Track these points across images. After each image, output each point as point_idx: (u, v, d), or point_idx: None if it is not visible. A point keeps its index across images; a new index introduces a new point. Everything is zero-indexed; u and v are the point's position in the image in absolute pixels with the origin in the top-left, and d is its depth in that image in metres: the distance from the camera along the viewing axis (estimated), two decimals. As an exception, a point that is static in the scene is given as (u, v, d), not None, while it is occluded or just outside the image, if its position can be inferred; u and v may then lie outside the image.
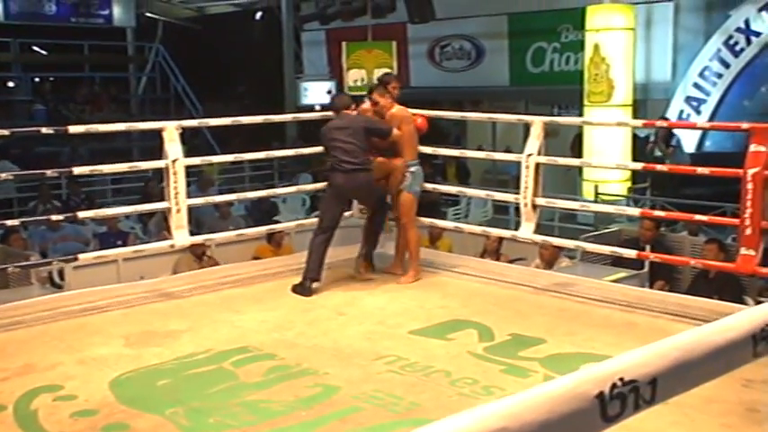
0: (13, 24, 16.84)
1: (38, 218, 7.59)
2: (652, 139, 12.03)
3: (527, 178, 6.10)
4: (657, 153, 11.63)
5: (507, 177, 13.07)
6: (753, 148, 4.93)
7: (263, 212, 10.85)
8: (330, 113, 6.44)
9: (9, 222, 6.79)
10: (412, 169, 6.25)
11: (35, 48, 18.16)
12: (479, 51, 15.96)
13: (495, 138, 15.41)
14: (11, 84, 17.62)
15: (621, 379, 1.85)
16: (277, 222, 9.14)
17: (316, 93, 16.45)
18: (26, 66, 17.69)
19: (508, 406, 1.70)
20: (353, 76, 9.72)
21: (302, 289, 5.86)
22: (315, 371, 4.39)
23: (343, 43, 12.47)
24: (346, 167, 5.98)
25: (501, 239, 7.51)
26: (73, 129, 6.17)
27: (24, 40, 17.33)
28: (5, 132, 5.88)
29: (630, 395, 1.87)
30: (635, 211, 7.37)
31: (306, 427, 3.75)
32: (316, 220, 7.05)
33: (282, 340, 4.91)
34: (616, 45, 12.27)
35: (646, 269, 6.90)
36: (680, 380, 2.03)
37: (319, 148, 7.06)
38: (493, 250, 7.69)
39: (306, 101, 16.48)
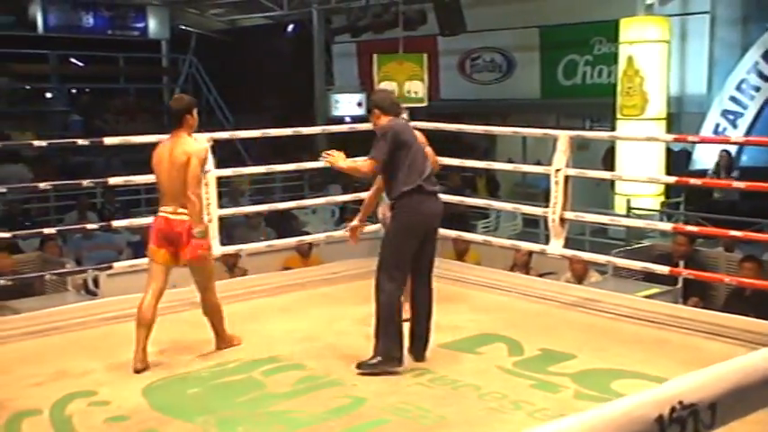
0: (52, 36, 17.14)
1: (73, 226, 7.70)
2: (712, 168, 11.97)
3: (556, 193, 6.09)
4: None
5: (537, 191, 13.02)
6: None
7: (286, 224, 10.87)
8: (358, 124, 6.44)
9: (47, 231, 6.91)
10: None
11: (72, 59, 18.44)
12: (510, 64, 15.94)
13: (525, 151, 15.37)
14: (48, 95, 17.90)
15: (681, 402, 1.82)
16: (306, 233, 9.18)
17: (346, 105, 16.55)
18: (63, 77, 17.98)
19: (566, 427, 1.67)
20: (384, 89, 9.85)
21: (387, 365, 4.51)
22: (343, 382, 4.41)
23: (375, 55, 12.55)
24: (432, 189, 4.71)
25: (531, 253, 7.48)
26: (108, 140, 6.28)
27: (62, 52, 17.61)
28: (43, 143, 6.01)
29: (690, 419, 1.83)
30: (668, 226, 7.31)
31: (334, 437, 3.77)
32: (345, 232, 7.03)
33: (310, 351, 4.94)
34: (650, 58, 12.19)
35: (679, 285, 6.83)
36: (740, 404, 1.97)
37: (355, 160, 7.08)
38: (522, 264, 7.66)
39: (336, 113, 16.57)
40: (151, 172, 6.75)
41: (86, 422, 3.92)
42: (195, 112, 4.80)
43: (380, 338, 4.51)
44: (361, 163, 4.72)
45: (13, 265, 6.98)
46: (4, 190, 6.65)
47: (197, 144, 4.79)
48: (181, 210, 4.65)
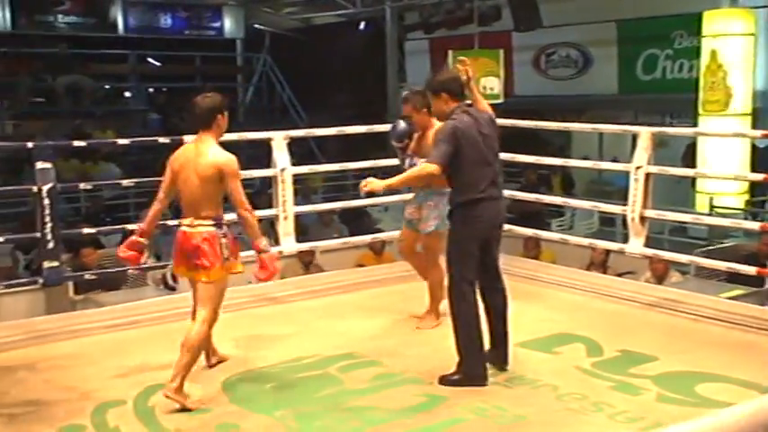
0: (131, 37, 17.59)
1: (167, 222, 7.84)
2: None
3: (636, 191, 5.96)
4: None
5: (613, 188, 12.78)
6: None
7: (359, 221, 10.89)
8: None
9: (129, 226, 7.07)
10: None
11: (149, 59, 18.87)
12: (587, 59, 15.67)
13: (601, 148, 15.09)
14: (128, 94, 18.36)
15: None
16: (379, 231, 9.19)
17: (419, 102, 16.50)
18: (142, 77, 18.42)
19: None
20: (460, 86, 9.83)
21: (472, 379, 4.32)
22: (419, 380, 4.39)
23: (450, 52, 12.48)
24: (497, 195, 4.44)
25: (608, 252, 7.34)
26: (188, 138, 6.38)
27: (141, 52, 18.03)
28: (126, 142, 6.16)
29: None
30: (754, 225, 7.08)
31: (411, 435, 3.76)
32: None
33: (386, 348, 4.94)
34: (734, 51, 11.80)
35: (766, 287, 6.61)
36: None
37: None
38: (600, 263, 7.52)
39: (409, 110, 16.54)
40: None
41: (168, 414, 4.00)
42: (226, 113, 4.30)
43: (462, 357, 4.30)
44: (420, 169, 4.42)
45: (98, 260, 7.17)
46: (90, 186, 6.86)
47: (225, 155, 4.17)
48: (198, 222, 4.16)
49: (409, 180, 4.59)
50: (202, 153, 4.16)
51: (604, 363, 4.64)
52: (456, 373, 4.31)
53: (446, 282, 4.66)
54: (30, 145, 5.74)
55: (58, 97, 15.76)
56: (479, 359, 4.30)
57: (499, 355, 4.48)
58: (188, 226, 4.19)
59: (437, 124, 5.01)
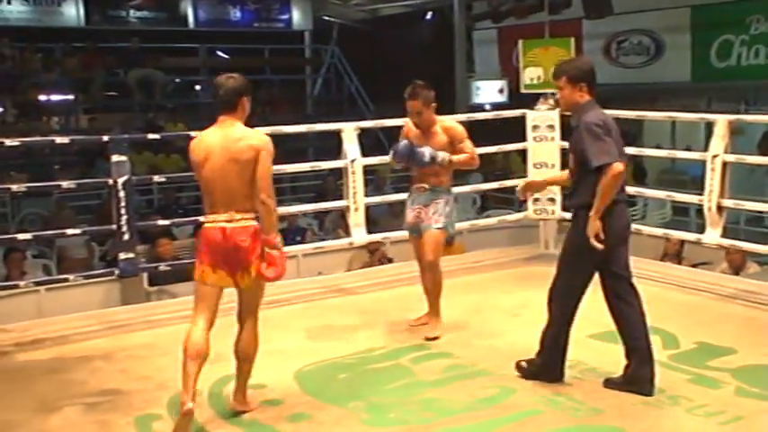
0: (201, 31, 17.84)
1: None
2: None
3: (712, 180, 5.81)
4: None
5: (686, 178, 12.47)
6: None
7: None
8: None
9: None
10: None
11: (219, 52, 19.11)
12: (659, 46, 15.31)
13: (674, 137, 14.75)
14: (198, 87, 18.64)
15: None
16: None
17: (487, 92, 16.37)
18: (212, 70, 18.65)
19: None
20: (530, 75, 9.53)
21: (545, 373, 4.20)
22: (491, 372, 4.36)
23: (520, 41, 12.34)
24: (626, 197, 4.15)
25: (683, 242, 7.17)
26: (260, 130, 6.44)
27: (211, 46, 18.28)
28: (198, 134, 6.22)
29: None
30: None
31: (483, 427, 3.74)
32: (488, 221, 6.92)
33: (457, 339, 4.92)
34: (813, 36, 11.40)
35: None
36: None
37: (491, 149, 7.01)
38: (674, 253, 7.35)
39: (477, 100, 16.43)
40: (293, 161, 6.84)
41: (242, 403, 4.05)
42: (250, 97, 3.87)
43: (544, 350, 4.17)
44: (608, 178, 3.79)
45: (173, 251, 7.32)
46: (164, 179, 7.00)
47: (260, 134, 3.83)
48: (240, 215, 3.72)
49: (606, 194, 3.82)
50: (231, 136, 3.74)
51: (681, 355, 4.54)
52: (533, 363, 4.22)
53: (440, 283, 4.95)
54: (105, 138, 5.88)
55: (131, 91, 16.09)
56: (559, 356, 4.13)
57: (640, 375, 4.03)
58: (226, 221, 3.73)
59: (444, 121, 5.06)
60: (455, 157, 4.91)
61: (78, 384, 4.40)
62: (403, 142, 4.93)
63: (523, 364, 4.25)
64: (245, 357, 3.89)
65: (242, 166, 3.70)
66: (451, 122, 5.10)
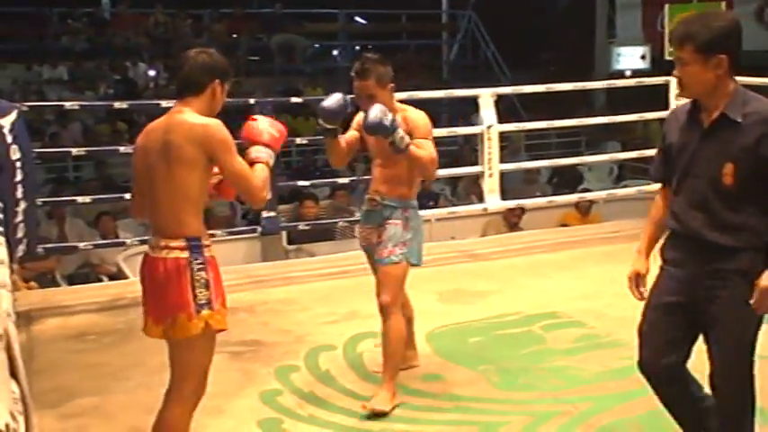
0: (341, -4, 18.18)
1: (361, 177, 8.14)
2: None
3: None
4: None
5: None
6: None
7: (566, 180, 10.73)
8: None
9: (341, 180, 7.40)
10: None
11: (357, 18, 19.34)
12: (819, 10, 14.39)
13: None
14: (335, 52, 18.97)
15: None
16: (586, 191, 9.00)
17: (628, 58, 15.83)
18: (350, 35, 18.95)
19: None
20: (675, 41, 9.26)
21: None
22: (626, 343, 4.26)
23: (666, 6, 11.90)
24: None
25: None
26: (397, 96, 6.52)
27: (350, 11, 18.54)
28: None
29: None
30: None
31: (616, 398, 3.71)
32: (626, 190, 6.70)
33: (591, 309, 4.87)
34: None
35: None
36: None
37: (630, 117, 6.82)
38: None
39: (617, 66, 15.94)
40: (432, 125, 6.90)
41: (375, 360, 4.16)
42: (227, 84, 2.91)
43: None
44: None
45: (318, 213, 7.55)
46: (305, 141, 7.23)
47: (205, 119, 2.79)
48: (165, 240, 2.79)
49: None
50: (175, 127, 2.76)
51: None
52: None
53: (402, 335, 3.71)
54: (252, 101, 6.12)
55: (272, 55, 16.54)
56: None
57: None
58: (151, 247, 2.83)
59: (407, 110, 3.68)
60: (413, 147, 3.51)
61: (223, 333, 4.62)
62: (373, 108, 3.47)
63: None
64: None
65: (174, 169, 2.74)
66: (416, 113, 3.69)
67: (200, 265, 2.75)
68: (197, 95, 2.82)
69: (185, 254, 2.74)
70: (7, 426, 1.48)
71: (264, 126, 2.96)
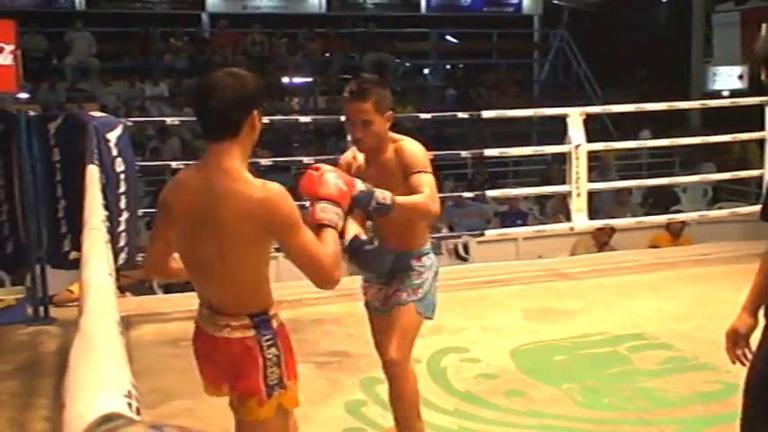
0: (433, 16, 18.32)
1: (449, 194, 8.21)
2: None
3: None
4: None
5: None
6: None
7: (660, 201, 10.55)
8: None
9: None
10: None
11: (448, 37, 19.46)
12: None
13: None
14: (426, 70, 19.12)
15: None
16: (677, 212, 8.84)
17: (725, 78, 15.49)
18: (441, 54, 19.10)
19: None
20: (774, 61, 9.03)
21: None
22: (715, 367, 4.22)
23: (764, 25, 11.60)
24: None
25: None
26: (486, 113, 6.60)
27: (441, 30, 18.69)
28: (427, 116, 6.52)
29: None
30: None
31: (703, 422, 3.66)
32: (719, 212, 6.59)
33: (679, 331, 4.81)
34: None
35: None
36: None
37: (724, 137, 6.69)
38: None
39: (713, 86, 15.60)
40: (517, 145, 6.89)
41: (459, 375, 4.23)
42: (261, 108, 2.41)
43: None
44: None
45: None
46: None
47: (269, 187, 2.30)
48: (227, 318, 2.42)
49: None
50: (223, 198, 2.27)
51: None
52: None
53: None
54: (343, 118, 6.26)
55: (364, 74, 16.82)
56: None
57: None
58: (205, 322, 2.51)
59: (400, 141, 3.13)
60: (400, 199, 2.90)
61: (311, 344, 4.76)
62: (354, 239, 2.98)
63: None
64: None
65: (235, 241, 2.30)
66: (411, 143, 3.14)
67: (270, 342, 2.37)
68: (235, 136, 2.32)
69: (251, 332, 2.36)
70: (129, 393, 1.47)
71: (332, 178, 2.45)
